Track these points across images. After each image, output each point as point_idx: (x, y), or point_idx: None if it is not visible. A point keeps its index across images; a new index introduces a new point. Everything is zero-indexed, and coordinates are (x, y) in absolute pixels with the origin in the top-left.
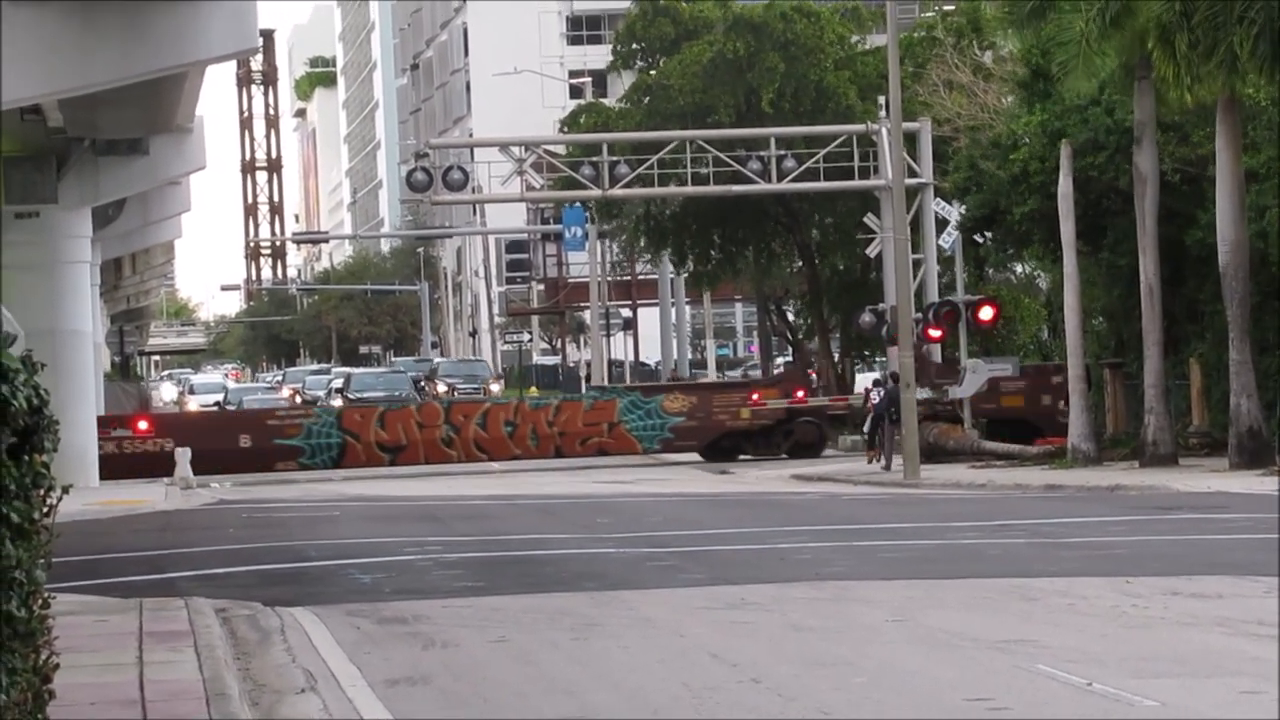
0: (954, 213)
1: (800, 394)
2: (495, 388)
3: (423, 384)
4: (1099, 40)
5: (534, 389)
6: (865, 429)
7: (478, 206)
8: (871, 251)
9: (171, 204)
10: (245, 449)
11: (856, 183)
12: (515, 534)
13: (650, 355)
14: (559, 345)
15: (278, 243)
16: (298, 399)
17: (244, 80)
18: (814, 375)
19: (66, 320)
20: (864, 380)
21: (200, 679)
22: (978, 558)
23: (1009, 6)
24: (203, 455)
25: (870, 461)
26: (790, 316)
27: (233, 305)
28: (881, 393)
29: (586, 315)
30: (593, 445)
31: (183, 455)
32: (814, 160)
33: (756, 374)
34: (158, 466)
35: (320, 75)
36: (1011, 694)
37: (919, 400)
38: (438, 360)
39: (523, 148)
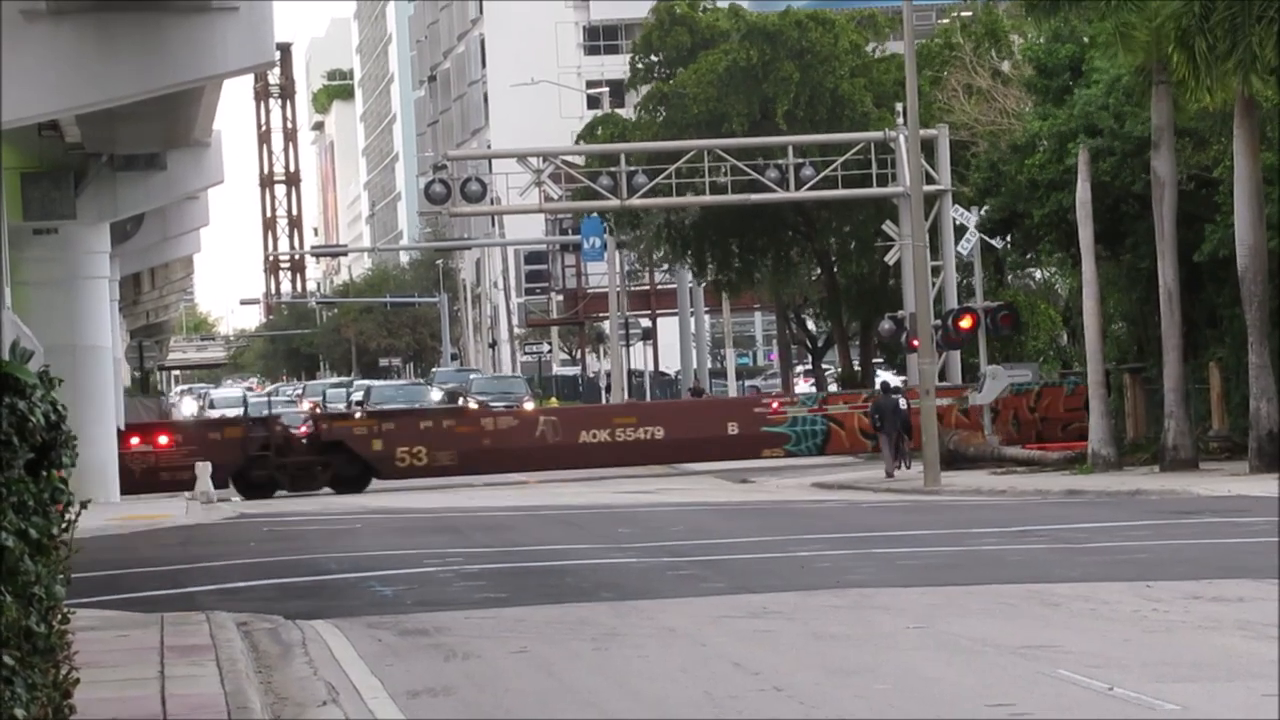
0: (972, 219)
1: None
2: (529, 406)
3: (461, 398)
4: (1129, 36)
5: (554, 400)
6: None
7: (496, 218)
8: (890, 259)
9: (190, 219)
10: (733, 436)
11: (874, 190)
12: (536, 545)
13: (670, 365)
14: (578, 355)
15: (296, 256)
16: (319, 412)
17: (261, 94)
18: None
19: (86, 336)
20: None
21: (222, 693)
22: (999, 564)
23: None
24: (686, 444)
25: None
26: (809, 324)
27: (252, 319)
28: (902, 400)
29: (606, 325)
30: (1074, 430)
31: (203, 469)
32: (831, 168)
33: (776, 382)
34: (643, 455)
35: (338, 88)
36: (1033, 699)
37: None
38: (472, 376)
39: (540, 159)
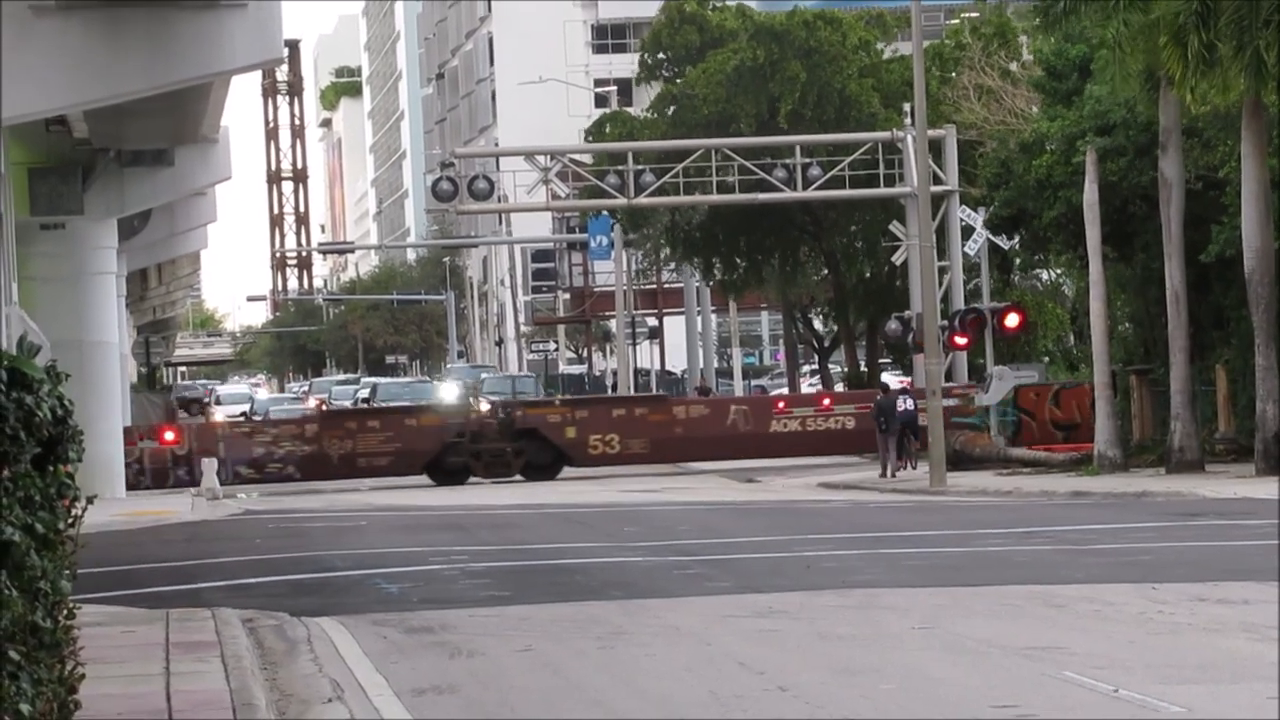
0: (979, 219)
1: None
2: None
3: (471, 397)
4: (1129, 44)
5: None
6: None
7: (503, 216)
8: (897, 259)
9: (197, 215)
10: (922, 427)
11: (882, 190)
12: (542, 543)
13: (676, 364)
14: (585, 354)
15: (303, 253)
16: (324, 409)
17: (269, 90)
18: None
19: (92, 331)
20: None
21: (227, 689)
22: (1004, 565)
23: (1039, 8)
24: (870, 434)
25: (899, 470)
26: (816, 324)
27: (259, 316)
28: (909, 400)
29: (612, 324)
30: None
31: (209, 465)
32: (839, 168)
33: (782, 382)
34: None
35: (345, 85)
36: (1038, 701)
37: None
38: (483, 376)
39: (548, 157)
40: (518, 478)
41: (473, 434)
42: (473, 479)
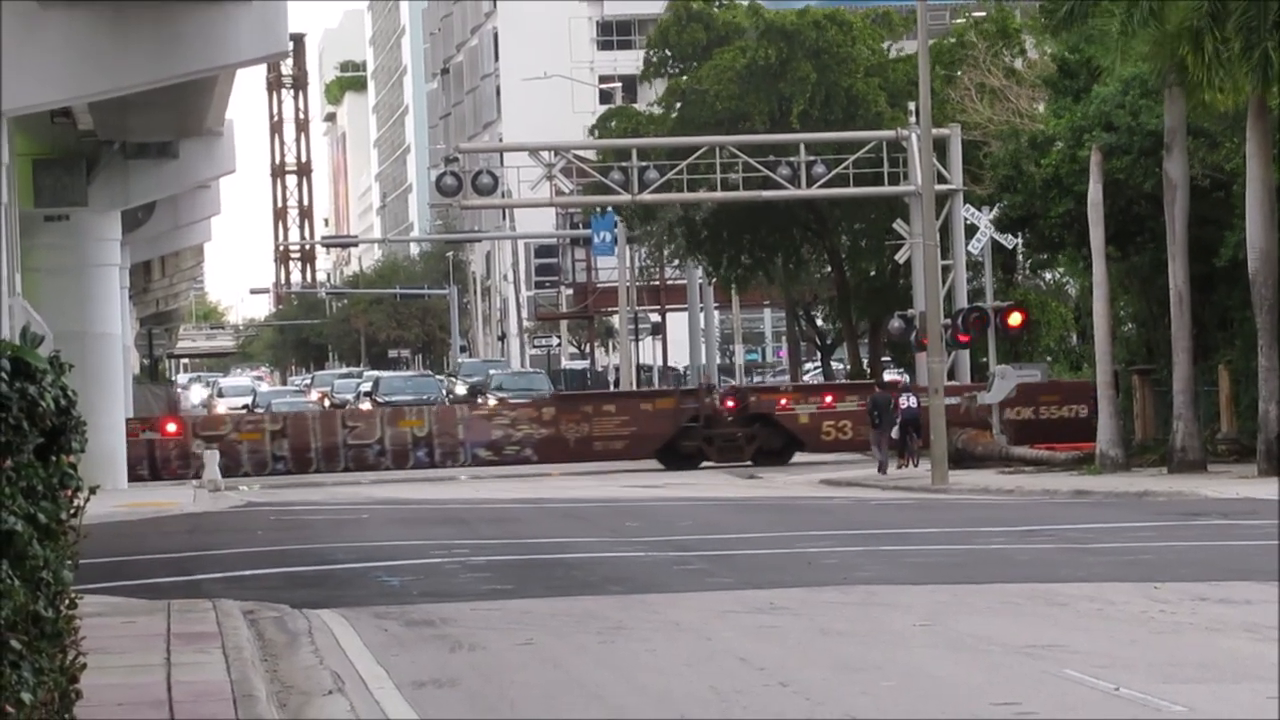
0: (983, 218)
1: None
2: None
3: (480, 395)
4: (1137, 30)
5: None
6: (894, 434)
7: (507, 211)
8: (901, 257)
9: (201, 207)
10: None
11: (886, 189)
12: (543, 537)
13: (679, 360)
14: (587, 350)
15: (307, 246)
16: (326, 402)
17: (274, 84)
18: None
19: (96, 323)
20: None
21: (228, 680)
22: (1006, 563)
23: (1046, 10)
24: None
25: (899, 467)
26: (819, 322)
27: (262, 309)
28: (912, 398)
29: (615, 320)
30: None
31: (211, 457)
32: (844, 166)
33: (785, 378)
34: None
35: (350, 79)
36: (1039, 699)
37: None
38: (492, 372)
39: (552, 152)
40: (748, 463)
41: (706, 419)
42: (705, 464)
